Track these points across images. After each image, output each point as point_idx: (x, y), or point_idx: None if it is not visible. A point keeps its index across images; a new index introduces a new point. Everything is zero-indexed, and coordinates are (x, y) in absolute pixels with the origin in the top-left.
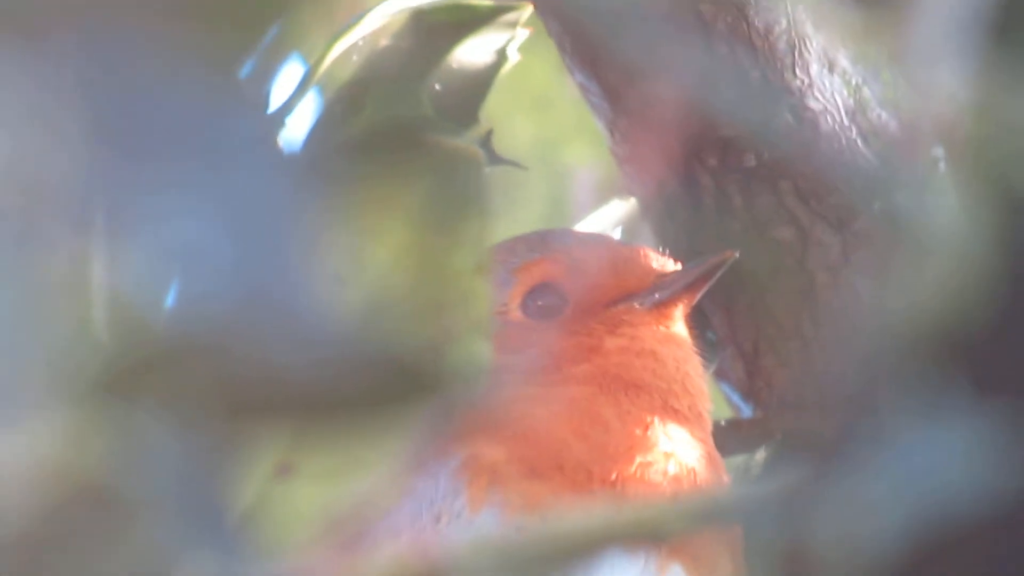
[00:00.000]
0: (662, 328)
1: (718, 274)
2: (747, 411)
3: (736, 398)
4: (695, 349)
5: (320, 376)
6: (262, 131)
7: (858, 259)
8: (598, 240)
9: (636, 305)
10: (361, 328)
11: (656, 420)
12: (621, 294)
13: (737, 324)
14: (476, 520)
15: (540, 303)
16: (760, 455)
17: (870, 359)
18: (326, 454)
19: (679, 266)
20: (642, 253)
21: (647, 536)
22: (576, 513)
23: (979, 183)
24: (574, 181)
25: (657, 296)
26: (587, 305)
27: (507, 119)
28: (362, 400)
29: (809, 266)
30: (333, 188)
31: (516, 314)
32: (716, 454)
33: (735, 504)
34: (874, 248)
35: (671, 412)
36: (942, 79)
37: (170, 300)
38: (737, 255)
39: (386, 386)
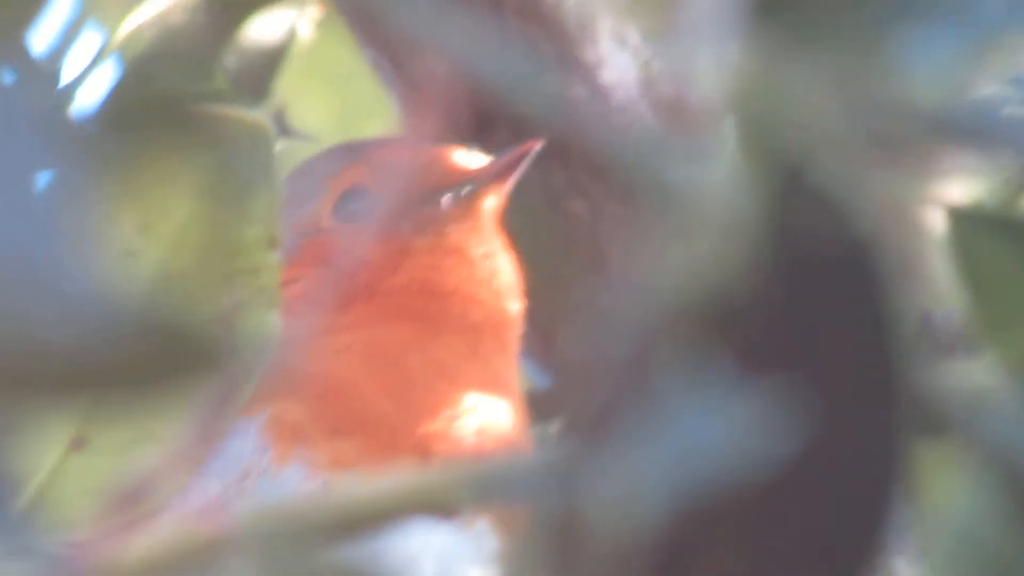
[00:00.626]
0: (470, 223)
1: (524, 163)
2: (543, 383)
3: (533, 370)
4: (505, 245)
5: (104, 350)
6: (32, 100)
7: (642, 232)
8: (404, 143)
9: (444, 202)
10: (149, 301)
11: (463, 368)
12: (429, 192)
13: (534, 296)
14: (282, 476)
15: (351, 207)
16: (554, 427)
17: (642, 331)
18: (119, 427)
19: (487, 163)
20: (449, 152)
21: (435, 507)
22: (361, 483)
23: (748, 156)
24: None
25: (464, 192)
26: (397, 206)
27: (306, 96)
28: (151, 373)
29: (600, 239)
30: (117, 161)
31: (328, 221)
32: (519, 397)
33: (520, 476)
34: (654, 221)
35: (476, 350)
36: (712, 53)
37: None
38: (539, 146)
39: (174, 358)
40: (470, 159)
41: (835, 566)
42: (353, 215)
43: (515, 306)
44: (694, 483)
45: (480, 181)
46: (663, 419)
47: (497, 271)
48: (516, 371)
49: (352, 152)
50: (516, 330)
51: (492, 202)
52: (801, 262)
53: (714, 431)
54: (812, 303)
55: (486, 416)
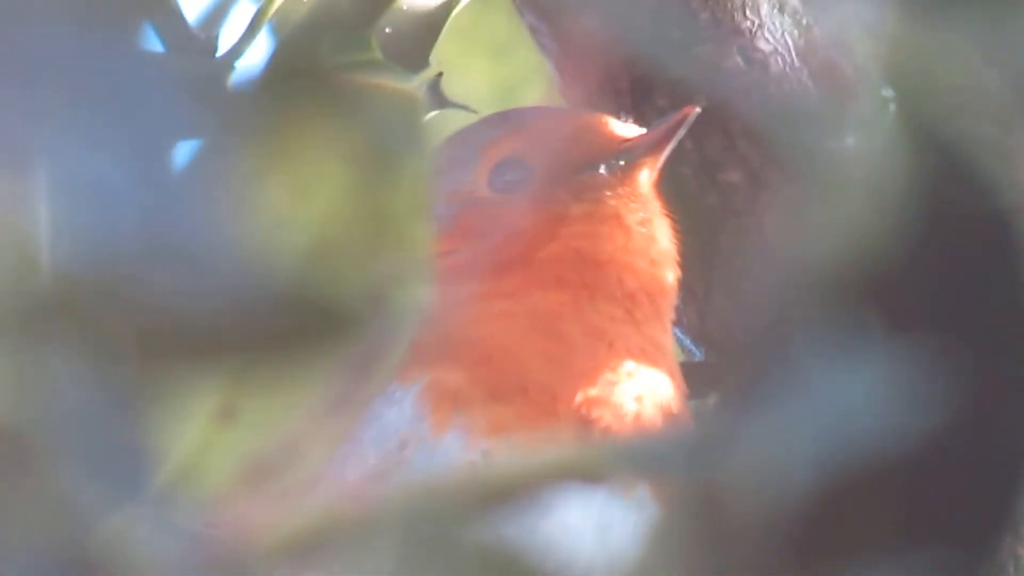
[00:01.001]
0: (627, 191)
1: (681, 131)
2: (699, 355)
3: (688, 342)
4: (664, 212)
5: (252, 319)
6: (187, 68)
7: (795, 200)
8: (560, 112)
9: (601, 170)
10: (299, 270)
11: (620, 333)
12: (586, 161)
13: (689, 267)
14: (441, 445)
15: (507, 177)
16: (712, 400)
17: (790, 299)
18: (266, 399)
19: (643, 131)
20: (606, 120)
21: (588, 477)
22: (514, 455)
23: (902, 123)
24: None
25: (622, 160)
26: (553, 175)
27: (463, 65)
28: (299, 343)
29: (758, 208)
30: (269, 131)
31: (483, 191)
32: (674, 362)
33: (669, 447)
34: (807, 189)
35: (632, 316)
36: (866, 18)
37: (73, 239)
38: (699, 110)
39: (324, 328)
40: (626, 128)
41: (973, 533)
42: (509, 185)
43: (671, 275)
44: (837, 452)
45: (637, 149)
46: (808, 388)
47: (654, 240)
48: (671, 340)
49: (507, 121)
50: (672, 299)
51: (649, 171)
52: (951, 231)
53: (858, 400)
54: (960, 272)
55: (644, 382)
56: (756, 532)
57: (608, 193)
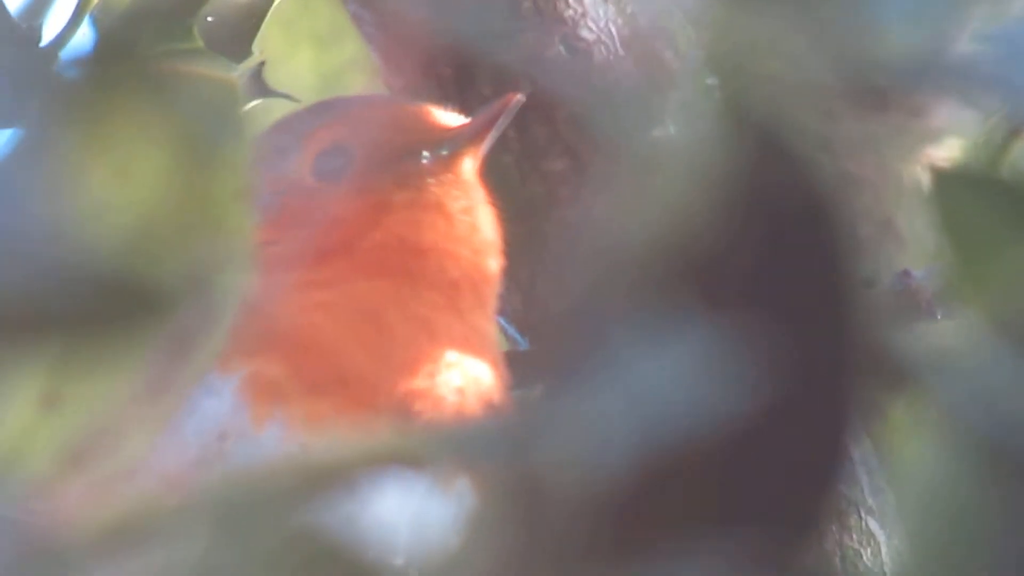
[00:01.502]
0: (451, 179)
1: (504, 119)
2: (523, 344)
3: (512, 331)
4: (487, 200)
5: (73, 304)
6: (9, 57)
7: (618, 187)
8: (384, 100)
9: (424, 158)
10: (119, 254)
11: (443, 322)
12: (409, 149)
13: (513, 255)
14: (260, 438)
15: (330, 164)
16: (535, 389)
17: (607, 282)
18: (88, 384)
19: (466, 120)
20: (429, 109)
21: (404, 463)
22: (331, 439)
23: (722, 109)
24: None
25: (444, 149)
26: (376, 163)
27: (286, 54)
28: (120, 326)
29: (582, 196)
30: (90, 118)
31: (307, 179)
32: (497, 352)
33: (485, 432)
34: (628, 175)
35: (455, 304)
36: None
37: None
38: (522, 98)
39: (144, 312)
40: (450, 116)
41: (793, 519)
42: (332, 172)
43: (494, 263)
44: (653, 434)
45: (459, 138)
46: (626, 372)
47: (477, 228)
48: (495, 329)
49: (331, 109)
50: (495, 287)
51: (472, 159)
52: (766, 213)
53: (675, 382)
54: (775, 255)
55: (467, 373)
56: (573, 518)
57: (431, 181)
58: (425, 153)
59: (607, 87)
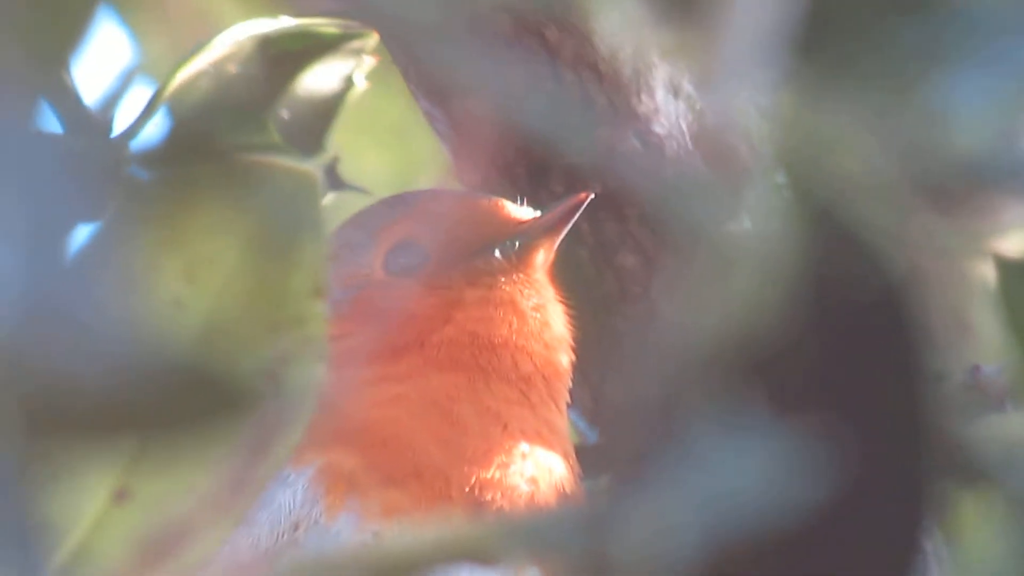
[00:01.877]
0: (522, 276)
1: (575, 216)
2: (593, 437)
3: (582, 425)
4: (557, 298)
5: (148, 399)
6: (83, 149)
7: (689, 282)
8: (455, 194)
9: (496, 254)
10: (194, 350)
11: (515, 415)
12: (480, 245)
13: (583, 350)
14: (333, 528)
15: (402, 260)
16: (603, 481)
17: (678, 376)
18: (161, 479)
19: (537, 215)
20: (501, 204)
21: (477, 557)
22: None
23: (791, 204)
24: None
25: (516, 244)
26: (448, 258)
27: (359, 149)
28: (195, 423)
29: (653, 293)
30: (165, 211)
31: (379, 273)
32: (568, 444)
33: (557, 524)
34: (699, 268)
35: (527, 397)
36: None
37: None
38: (594, 195)
39: (219, 409)
40: (521, 211)
41: None
42: (404, 268)
43: (565, 359)
44: (724, 526)
45: (532, 233)
46: (695, 462)
47: (548, 324)
48: (566, 422)
49: (403, 203)
50: (566, 382)
51: (544, 254)
52: (838, 308)
53: (746, 474)
54: (847, 350)
55: (539, 464)
56: None
57: (502, 278)
58: (497, 248)
59: (678, 182)
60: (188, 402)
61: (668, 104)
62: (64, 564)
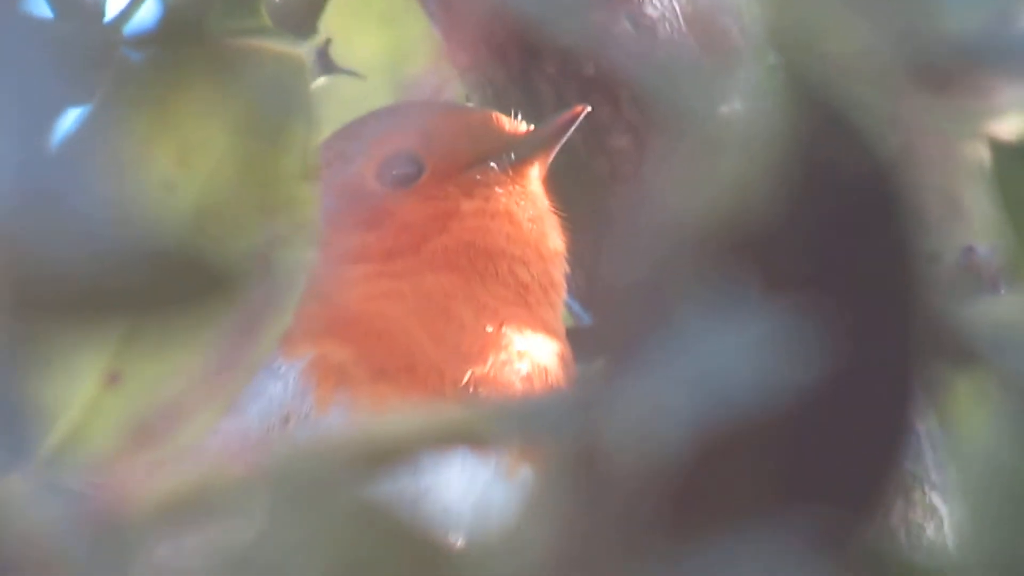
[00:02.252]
0: (518, 188)
1: (570, 130)
2: (587, 319)
3: (576, 307)
4: (552, 209)
5: (138, 282)
6: (73, 34)
7: (681, 164)
8: (451, 107)
9: (491, 166)
10: (185, 232)
11: (511, 313)
12: (476, 157)
13: (577, 232)
14: (323, 421)
15: (396, 171)
16: (596, 364)
17: (666, 257)
18: (152, 362)
19: (532, 128)
20: (496, 116)
21: (464, 439)
22: (386, 417)
23: (783, 85)
24: (418, 91)
25: (512, 156)
26: (443, 170)
27: (351, 32)
28: (185, 305)
29: (644, 174)
30: (156, 95)
31: (373, 184)
32: (566, 346)
33: (544, 407)
34: (689, 150)
35: (523, 299)
36: None
37: None
38: (589, 109)
39: (210, 290)
40: (516, 124)
41: (857, 494)
42: (398, 179)
43: (561, 271)
44: (714, 407)
45: (528, 146)
46: (686, 342)
47: (544, 235)
48: (562, 327)
49: (397, 116)
50: (562, 292)
51: (539, 167)
52: (829, 189)
53: (736, 354)
54: (839, 230)
55: (534, 363)
56: (634, 494)
57: (499, 189)
58: (493, 161)
59: (670, 64)
60: (178, 285)
61: None
62: (55, 447)
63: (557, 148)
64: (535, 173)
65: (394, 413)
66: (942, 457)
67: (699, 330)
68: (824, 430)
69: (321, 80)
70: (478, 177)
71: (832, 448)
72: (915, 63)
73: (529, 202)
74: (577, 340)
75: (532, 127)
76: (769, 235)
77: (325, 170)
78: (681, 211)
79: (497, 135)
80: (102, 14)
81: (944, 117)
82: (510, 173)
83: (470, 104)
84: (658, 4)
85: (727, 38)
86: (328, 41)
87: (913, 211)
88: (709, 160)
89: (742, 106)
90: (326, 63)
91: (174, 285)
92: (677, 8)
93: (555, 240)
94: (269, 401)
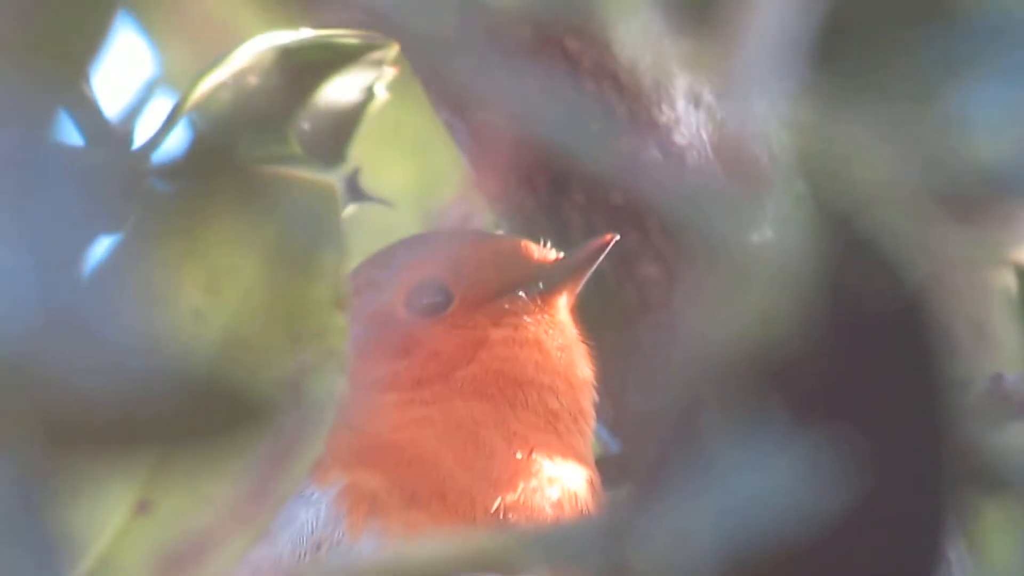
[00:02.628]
0: (546, 317)
1: (600, 258)
2: (614, 447)
3: (605, 434)
4: (580, 338)
5: (168, 411)
6: (103, 161)
7: (709, 292)
8: (480, 236)
9: (520, 295)
10: (215, 362)
11: (541, 440)
12: (505, 286)
13: (605, 361)
14: (355, 548)
15: (425, 300)
16: (624, 491)
17: (695, 385)
18: (182, 491)
19: (561, 257)
20: (524, 245)
21: (488, 567)
22: (417, 544)
23: (809, 212)
24: (447, 220)
25: (541, 285)
26: (472, 299)
27: (380, 160)
28: (216, 434)
29: (673, 302)
30: (185, 223)
31: (401, 313)
32: (595, 472)
33: (574, 535)
34: (717, 278)
35: (553, 426)
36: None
37: None
38: (618, 237)
39: (240, 420)
40: (545, 252)
41: None
42: (427, 308)
43: (590, 401)
44: (743, 535)
45: (556, 274)
46: (714, 471)
47: (573, 364)
48: (591, 455)
49: (425, 244)
50: (591, 422)
51: (568, 296)
52: (858, 317)
53: (765, 483)
54: (868, 359)
55: (564, 489)
56: None
57: (527, 318)
58: (522, 289)
59: (698, 192)
60: (208, 414)
61: (688, 114)
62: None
63: (586, 277)
64: (564, 302)
65: (425, 539)
66: None
67: (727, 458)
68: (854, 558)
69: (350, 208)
70: (507, 306)
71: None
72: (942, 191)
73: (558, 331)
74: (605, 467)
75: (561, 255)
76: (798, 363)
77: (354, 298)
78: (709, 339)
79: (526, 264)
80: (131, 141)
81: (972, 245)
82: (539, 302)
83: (499, 232)
84: (686, 132)
85: (755, 166)
86: (357, 169)
87: (942, 339)
88: (737, 289)
89: (771, 234)
90: (355, 191)
91: (204, 414)
92: (705, 136)
93: (584, 369)
94: (301, 528)
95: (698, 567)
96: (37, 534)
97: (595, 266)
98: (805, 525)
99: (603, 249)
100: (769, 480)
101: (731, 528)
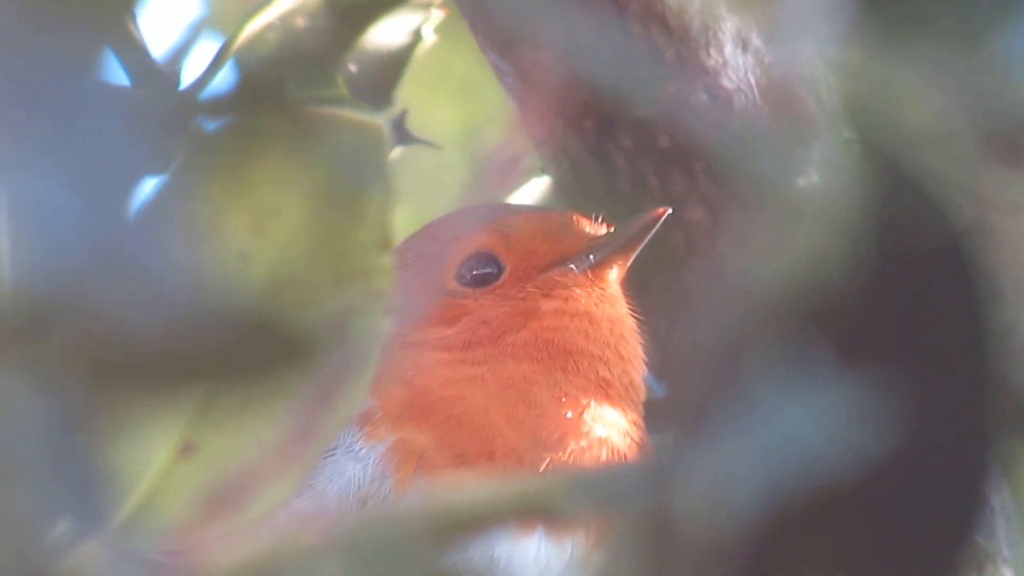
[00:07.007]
0: (597, 290)
1: (651, 232)
2: (660, 392)
3: (650, 379)
4: (630, 311)
5: (214, 351)
6: (150, 102)
7: (756, 235)
8: (531, 209)
9: (571, 268)
10: (260, 302)
11: (591, 402)
12: (556, 259)
13: (652, 305)
14: (401, 505)
15: (476, 272)
16: (669, 435)
17: (740, 327)
18: (227, 432)
19: (612, 229)
20: (575, 218)
21: (532, 512)
22: (462, 488)
23: (857, 154)
24: (494, 161)
25: (592, 258)
26: (523, 271)
27: (427, 103)
28: (261, 374)
29: (720, 246)
30: (232, 164)
31: (452, 284)
32: (645, 434)
33: (616, 479)
34: (763, 219)
35: (604, 391)
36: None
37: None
38: (670, 211)
39: (285, 360)
40: (596, 225)
41: (930, 568)
42: (479, 280)
43: (639, 374)
44: (788, 477)
45: (607, 247)
46: (759, 413)
47: (623, 336)
48: (641, 419)
49: (477, 215)
50: (641, 395)
51: (618, 269)
52: (905, 260)
53: (809, 425)
54: (914, 302)
55: (614, 452)
56: (704, 563)
57: (578, 290)
58: (572, 262)
59: (746, 136)
60: (253, 354)
61: (736, 58)
62: (130, 516)
63: (638, 250)
64: (614, 275)
65: (467, 485)
66: (1015, 532)
67: (773, 400)
68: (896, 502)
69: (397, 151)
70: (557, 278)
71: (904, 521)
72: (990, 135)
73: (608, 303)
74: (651, 413)
75: (612, 229)
76: (843, 306)
77: (405, 270)
78: (755, 282)
79: (577, 236)
80: (179, 81)
81: (1018, 189)
82: (589, 274)
83: (547, 175)
84: (734, 76)
85: (803, 109)
86: (404, 112)
87: (988, 283)
88: (784, 231)
89: (818, 177)
90: (402, 133)
91: (249, 353)
92: (752, 80)
93: (634, 342)
94: (348, 483)
95: (741, 508)
96: (82, 472)
97: (646, 240)
98: (848, 468)
99: (655, 223)
100: (813, 422)
101: (775, 470)
